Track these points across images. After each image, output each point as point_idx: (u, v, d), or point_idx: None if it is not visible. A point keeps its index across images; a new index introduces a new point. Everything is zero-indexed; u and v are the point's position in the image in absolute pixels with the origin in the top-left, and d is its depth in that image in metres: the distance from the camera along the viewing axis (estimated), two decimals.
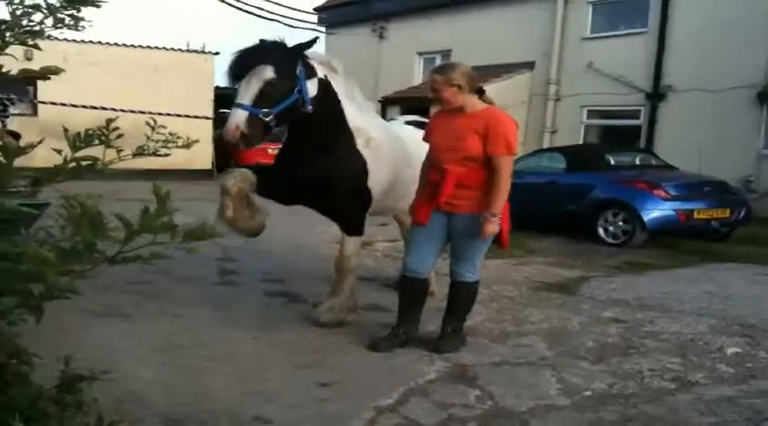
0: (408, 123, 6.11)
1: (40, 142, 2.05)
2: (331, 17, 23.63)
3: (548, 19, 17.06)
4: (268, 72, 4.42)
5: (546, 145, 16.53)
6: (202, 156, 19.20)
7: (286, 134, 5.02)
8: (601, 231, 10.67)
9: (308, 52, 4.71)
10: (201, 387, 3.85)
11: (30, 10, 1.96)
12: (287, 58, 4.53)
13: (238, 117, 4.36)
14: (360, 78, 18.48)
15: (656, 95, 15.15)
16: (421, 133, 5.41)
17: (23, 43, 1.99)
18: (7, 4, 1.97)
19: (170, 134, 2.48)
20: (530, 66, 17.65)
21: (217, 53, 19.59)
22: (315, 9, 24.01)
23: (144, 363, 4.20)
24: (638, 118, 15.72)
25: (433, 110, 4.81)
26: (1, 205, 1.76)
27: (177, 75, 18.38)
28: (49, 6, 1.98)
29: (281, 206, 5.18)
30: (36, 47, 2.05)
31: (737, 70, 13.74)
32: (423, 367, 4.36)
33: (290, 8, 31.92)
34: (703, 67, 14.14)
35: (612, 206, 10.66)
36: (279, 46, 4.59)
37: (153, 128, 2.36)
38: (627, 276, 8.00)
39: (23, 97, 17.16)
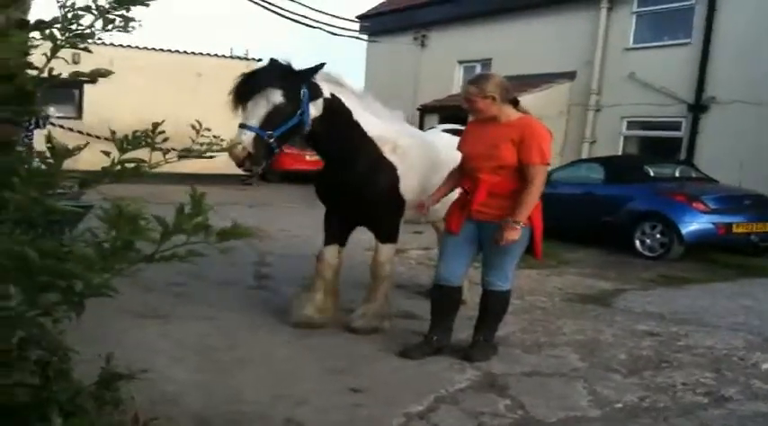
0: (446, 131, 6.16)
1: (86, 145, 2.12)
2: (373, 25, 23.72)
3: (590, 29, 16.93)
4: (277, 96, 4.57)
5: (585, 155, 16.38)
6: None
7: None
8: (638, 243, 10.58)
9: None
10: (234, 389, 3.92)
11: (80, 12, 2.02)
12: (294, 83, 4.67)
13: (246, 138, 4.51)
14: (400, 86, 18.58)
15: (698, 107, 14.94)
16: (457, 140, 5.47)
17: (74, 46, 2.04)
18: (60, 7, 2.03)
19: (214, 137, 2.54)
20: (570, 76, 17.52)
21: (260, 60, 19.77)
22: (357, 17, 24.12)
23: (179, 364, 4.29)
24: (679, 129, 15.51)
25: (471, 118, 4.84)
26: (51, 206, 1.83)
27: (220, 80, 18.49)
28: (99, 8, 2.03)
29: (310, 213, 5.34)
30: (87, 50, 2.10)
31: None
32: (453, 375, 4.38)
33: (334, 16, 32.03)
34: (747, 80, 13.92)
35: (650, 218, 10.57)
36: (287, 70, 4.72)
37: (198, 131, 2.42)
38: (662, 289, 7.93)
39: (66, 102, 17.50)
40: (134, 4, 2.05)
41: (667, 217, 10.30)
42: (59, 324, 2.01)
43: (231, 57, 20.55)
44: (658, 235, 10.42)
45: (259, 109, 4.56)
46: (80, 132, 16.50)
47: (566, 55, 17.30)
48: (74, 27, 2.00)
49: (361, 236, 5.37)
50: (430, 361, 4.61)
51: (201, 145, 2.41)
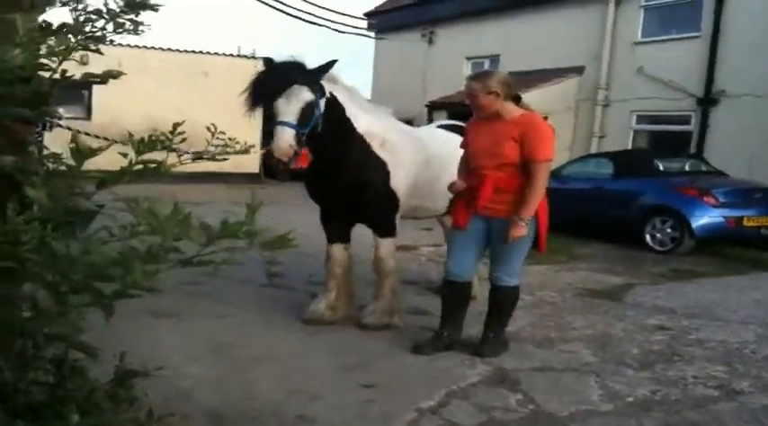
0: (443, 127, 6.19)
1: (108, 146, 2.15)
2: (381, 22, 23.72)
3: (598, 23, 16.87)
4: (306, 93, 4.61)
5: (594, 150, 16.34)
6: (250, 160, 19.43)
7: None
8: (648, 238, 10.57)
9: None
10: (247, 386, 3.95)
11: (92, 16, 2.05)
12: (314, 80, 4.70)
13: (288, 135, 4.52)
14: (408, 83, 18.59)
15: (707, 101, 14.88)
16: (451, 135, 5.57)
17: (86, 48, 2.07)
18: (71, 11, 2.06)
19: (229, 139, 2.56)
20: (579, 70, 17.48)
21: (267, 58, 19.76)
22: (365, 14, 24.13)
23: (193, 361, 4.32)
24: (688, 123, 15.45)
25: (474, 115, 4.85)
26: (73, 206, 1.86)
27: (227, 79, 18.53)
28: (109, 12, 2.07)
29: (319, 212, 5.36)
30: (98, 52, 2.13)
31: None
32: (465, 370, 4.40)
33: (341, 13, 31.99)
34: (757, 73, 13.85)
35: (661, 212, 10.55)
36: (306, 68, 4.73)
37: (213, 134, 2.44)
38: (673, 283, 7.93)
39: (76, 102, 17.58)
40: (143, 9, 2.09)
41: (678, 211, 10.28)
42: (78, 323, 2.03)
43: (239, 56, 20.59)
44: (669, 230, 10.40)
45: (292, 106, 4.56)
46: (88, 134, 16.60)
47: (574, 50, 17.26)
48: (86, 29, 2.04)
49: (368, 232, 5.38)
50: (441, 357, 4.63)
51: (216, 147, 2.43)
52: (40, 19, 2.08)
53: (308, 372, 4.25)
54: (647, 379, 4.39)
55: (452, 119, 11.16)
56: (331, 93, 4.90)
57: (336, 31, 20.84)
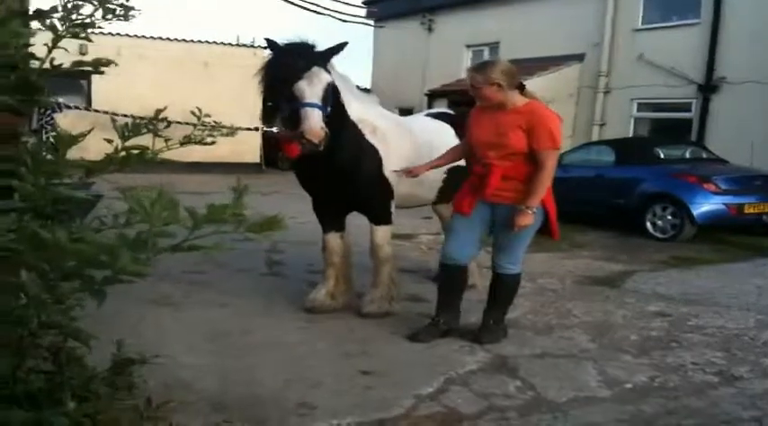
0: (431, 115, 6.18)
1: (89, 131, 2.13)
2: (380, 10, 23.64)
3: (598, 10, 16.83)
4: (325, 74, 4.56)
5: (595, 138, 16.32)
6: (251, 150, 19.43)
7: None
8: (649, 225, 10.58)
9: None
10: (248, 373, 3.96)
11: (80, 2, 2.04)
12: (326, 62, 4.67)
13: (318, 115, 4.45)
14: (408, 71, 18.57)
15: (708, 88, 14.85)
16: (439, 124, 5.70)
17: (75, 35, 2.04)
18: None
19: (215, 122, 2.55)
20: (579, 58, 17.44)
21: (266, 47, 19.70)
22: (364, 3, 24.05)
23: (193, 350, 4.33)
24: (689, 110, 15.42)
25: (478, 104, 4.82)
26: (57, 194, 1.86)
27: (227, 69, 18.55)
28: None
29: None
30: (88, 39, 2.11)
31: None
32: (464, 357, 4.41)
33: (340, 2, 31.91)
34: (757, 59, 13.82)
35: (662, 200, 10.55)
36: (319, 50, 4.68)
37: (198, 117, 2.44)
38: (674, 270, 7.93)
39: (75, 93, 17.58)
40: None
41: (679, 198, 10.28)
42: (72, 311, 2.03)
43: (238, 45, 20.54)
44: (670, 217, 10.40)
45: (315, 88, 4.50)
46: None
47: (574, 37, 17.22)
48: (74, 17, 2.01)
49: (366, 221, 5.38)
50: (440, 344, 4.64)
51: (203, 130, 2.43)
52: (32, 7, 2.07)
53: (308, 359, 4.26)
54: (645, 366, 4.40)
55: (452, 107, 11.10)
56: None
57: (337, 19, 20.75)
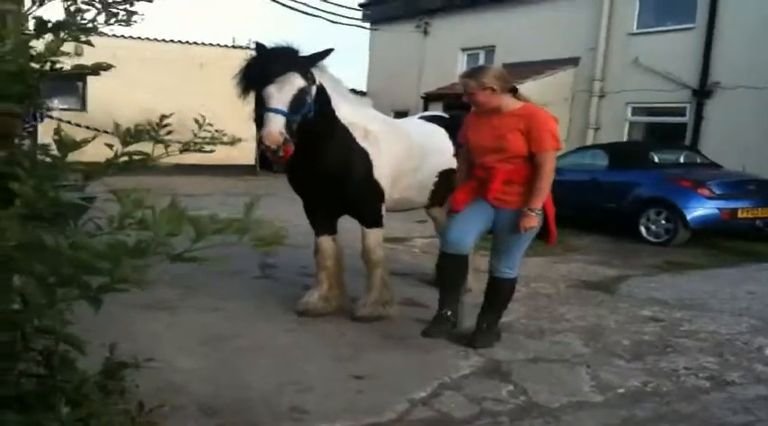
0: (425, 118, 6.19)
1: (93, 138, 2.13)
2: (376, 13, 23.67)
3: (593, 14, 16.86)
4: (299, 80, 4.53)
5: (589, 142, 16.35)
6: (245, 152, 19.40)
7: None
8: (643, 229, 10.60)
9: None
10: (240, 377, 3.95)
11: (84, 6, 2.04)
12: (307, 67, 4.64)
13: (279, 121, 4.42)
14: (403, 74, 18.54)
15: (702, 92, 14.89)
16: (432, 127, 5.71)
17: (76, 39, 2.05)
18: (63, 1, 2.04)
19: (216, 131, 2.54)
20: (574, 62, 17.47)
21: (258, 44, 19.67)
22: (360, 5, 24.07)
23: (185, 353, 4.32)
24: (683, 115, 15.46)
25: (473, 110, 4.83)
26: (57, 198, 1.85)
27: (223, 71, 18.41)
28: (102, 2, 2.05)
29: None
30: (89, 43, 2.11)
31: None
32: (457, 361, 4.41)
33: (336, 4, 31.92)
34: (752, 64, 13.86)
35: (655, 204, 10.57)
36: (300, 54, 4.67)
37: (200, 125, 2.43)
38: (667, 275, 7.95)
39: (69, 95, 17.54)
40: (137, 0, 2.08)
41: (672, 202, 10.31)
42: (62, 315, 2.03)
43: (233, 46, 20.53)
44: (663, 221, 10.43)
45: (285, 93, 4.47)
46: (78, 125, 16.59)
47: (569, 41, 17.26)
48: (78, 20, 2.02)
49: (357, 224, 5.39)
50: (433, 348, 4.64)
51: (204, 138, 2.42)
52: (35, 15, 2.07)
53: (301, 363, 4.25)
54: (638, 370, 4.41)
55: (449, 109, 11.11)
56: (320, 82, 4.88)
57: (332, 21, 20.79)
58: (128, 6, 2.07)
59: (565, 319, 5.61)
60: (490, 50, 19.56)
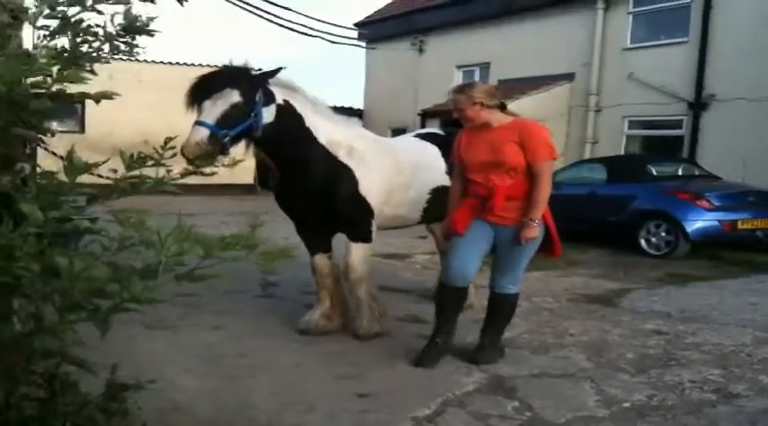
0: (419, 135, 6.20)
1: (106, 161, 2.16)
2: (371, 32, 23.76)
3: (587, 30, 16.94)
4: (234, 96, 4.60)
5: (587, 156, 16.36)
6: (244, 171, 19.41)
7: (270, 159, 5.11)
8: (643, 242, 10.60)
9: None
10: (243, 397, 3.93)
11: (89, 38, 2.06)
12: (251, 85, 4.71)
13: (201, 133, 4.49)
14: (400, 92, 18.61)
15: (698, 105, 14.94)
16: (424, 144, 5.77)
17: (80, 67, 2.08)
18: (68, 32, 2.07)
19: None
20: (569, 77, 17.53)
21: (259, 69, 19.79)
22: (355, 24, 24.18)
23: (187, 373, 4.30)
24: (680, 128, 15.50)
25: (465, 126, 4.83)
26: (65, 220, 1.86)
27: None
28: (107, 35, 2.08)
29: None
30: (93, 72, 2.15)
31: None
32: (461, 378, 4.38)
33: (332, 24, 32.08)
34: (746, 76, 13.92)
35: (655, 217, 10.58)
36: (245, 72, 4.76)
37: (162, 147, 2.44)
38: (669, 287, 7.93)
39: (69, 116, 17.59)
40: (140, 34, 2.11)
41: (672, 215, 10.32)
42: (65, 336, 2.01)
43: None
44: (663, 234, 10.44)
45: (216, 107, 4.56)
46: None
47: (564, 57, 17.33)
48: (84, 49, 2.06)
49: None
50: (437, 365, 4.61)
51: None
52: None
53: (303, 382, 4.23)
54: (643, 384, 4.38)
55: (446, 126, 11.11)
56: (285, 101, 4.89)
57: (329, 41, 20.84)
58: (129, 40, 2.11)
59: (568, 334, 5.58)
60: (485, 67, 19.63)
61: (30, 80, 1.96)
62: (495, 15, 19.01)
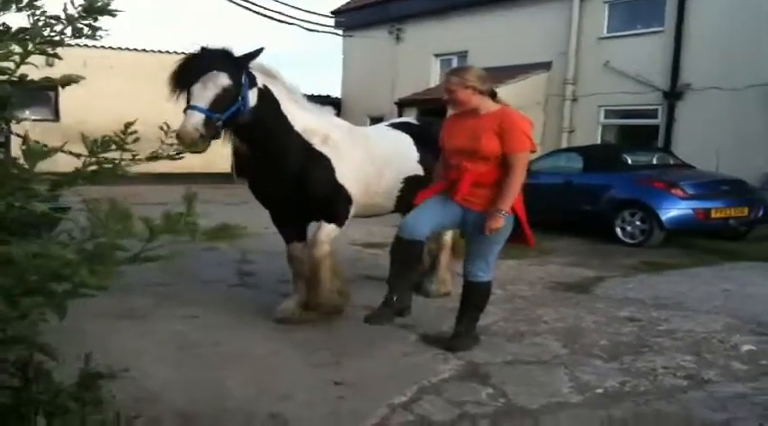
0: (393, 125, 6.21)
1: (63, 146, 2.12)
2: (348, 20, 23.69)
3: (564, 19, 17.00)
4: (224, 78, 4.52)
5: (563, 145, 16.45)
6: (221, 160, 19.33)
7: (245, 146, 5.05)
8: (618, 231, 10.68)
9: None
10: (218, 386, 3.92)
11: (51, 20, 2.04)
12: (237, 67, 4.63)
13: (196, 119, 4.40)
14: (377, 80, 18.56)
15: (673, 94, 15.06)
16: (397, 133, 5.79)
17: (44, 52, 2.06)
18: (29, 15, 2.04)
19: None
20: (546, 66, 17.60)
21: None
22: (332, 12, 24.09)
23: (161, 362, 4.29)
24: (655, 117, 15.63)
25: (450, 111, 4.85)
26: (26, 209, 1.83)
27: None
28: (68, 17, 2.05)
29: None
30: (56, 56, 2.12)
31: (755, 68, 13.61)
32: (436, 365, 4.40)
33: (309, 12, 32.01)
34: (721, 66, 14.05)
35: (630, 205, 10.65)
36: (230, 54, 4.66)
37: (166, 133, 2.43)
38: (644, 275, 8.00)
39: (42, 104, 17.38)
40: (101, 14, 2.08)
41: (647, 204, 10.40)
42: (35, 326, 2.00)
43: None
44: (638, 222, 10.52)
45: (208, 91, 4.47)
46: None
47: (541, 46, 17.39)
48: (45, 34, 2.02)
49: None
50: (413, 352, 4.64)
51: (171, 145, 2.42)
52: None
53: (279, 371, 4.23)
54: (616, 370, 4.42)
55: (423, 116, 11.11)
56: (265, 86, 4.85)
57: (306, 29, 20.77)
58: (92, 22, 2.07)
59: (542, 321, 5.62)
60: (463, 56, 19.63)
61: None
62: (473, 4, 19.04)
